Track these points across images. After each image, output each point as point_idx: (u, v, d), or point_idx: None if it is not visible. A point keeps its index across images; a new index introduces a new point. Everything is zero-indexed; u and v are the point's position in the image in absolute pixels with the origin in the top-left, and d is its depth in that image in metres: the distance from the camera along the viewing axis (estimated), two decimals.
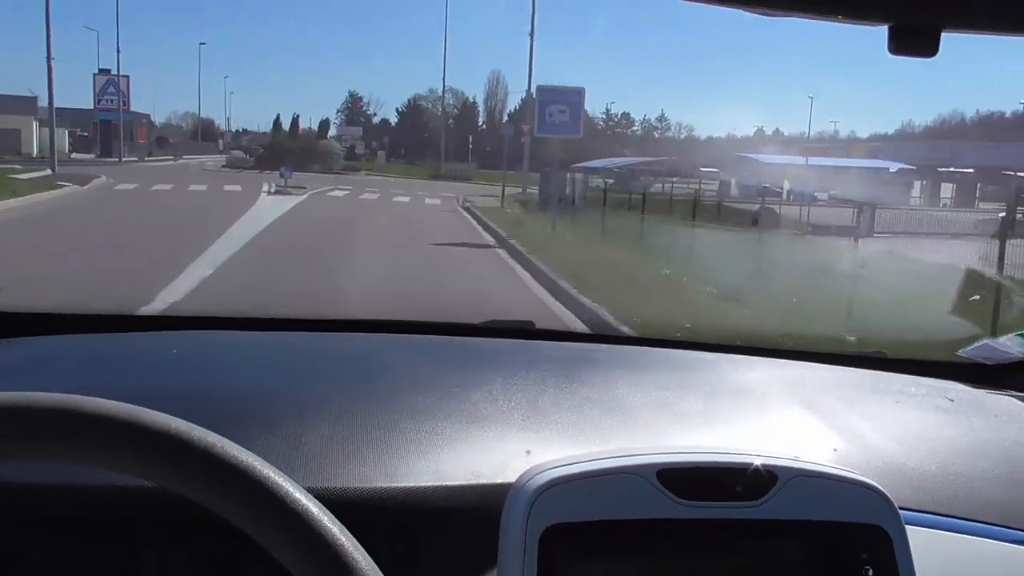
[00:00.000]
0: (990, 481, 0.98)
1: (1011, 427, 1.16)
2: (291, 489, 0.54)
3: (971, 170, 41.23)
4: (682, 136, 68.15)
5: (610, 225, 14.64)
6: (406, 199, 22.91)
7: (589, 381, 1.10)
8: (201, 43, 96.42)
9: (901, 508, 0.78)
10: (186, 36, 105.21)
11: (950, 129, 60.08)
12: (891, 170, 35.68)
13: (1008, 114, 60.70)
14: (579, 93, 16.11)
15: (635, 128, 73.82)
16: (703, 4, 0.56)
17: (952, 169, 40.53)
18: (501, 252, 12.05)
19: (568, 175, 23.06)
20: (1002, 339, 1.43)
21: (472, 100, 67.53)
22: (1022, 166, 40.63)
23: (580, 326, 6.43)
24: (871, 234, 18.47)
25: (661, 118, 73.67)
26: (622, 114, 74.66)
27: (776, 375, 1.25)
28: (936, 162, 39.09)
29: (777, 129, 66.33)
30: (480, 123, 66.64)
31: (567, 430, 0.94)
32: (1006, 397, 1.28)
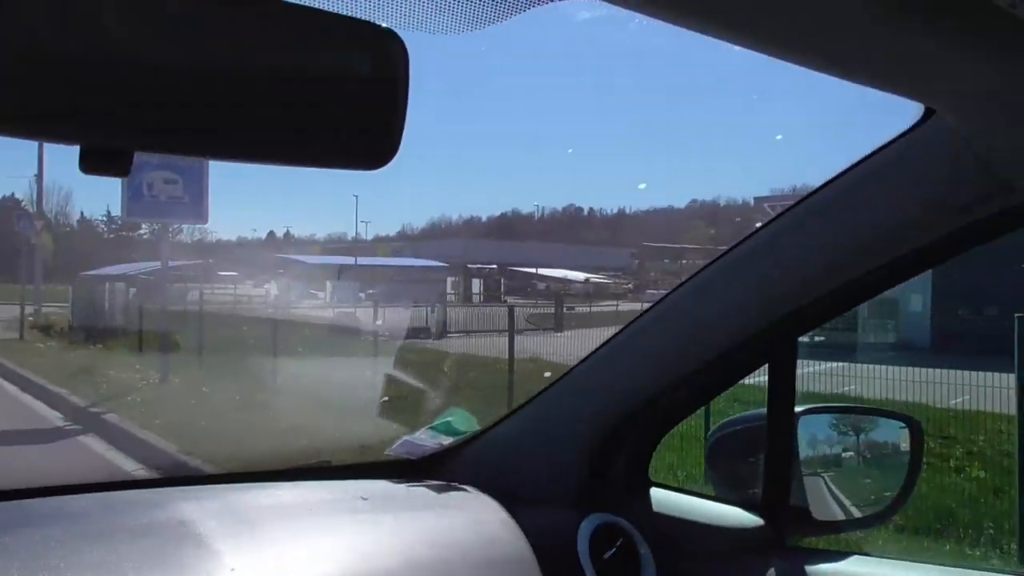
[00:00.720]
0: (384, 573, 1.12)
1: (412, 517, 1.28)
2: None
3: (494, 266, 44.81)
4: (195, 238, 62.48)
5: (228, 357, 10.46)
6: None
7: (13, 543, 1.03)
8: None
9: None
10: None
11: (441, 231, 66.94)
12: (433, 267, 36.86)
13: (484, 218, 71.77)
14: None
15: (142, 232, 65.87)
16: None
17: (480, 265, 43.56)
18: (97, 444, 6.80)
19: (108, 285, 18.17)
20: (418, 434, 1.60)
21: None
22: (526, 262, 45.25)
23: None
24: (445, 335, 17.96)
25: None
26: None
27: (193, 507, 1.20)
28: (454, 259, 41.54)
29: (288, 231, 65.51)
30: None
31: None
32: (417, 488, 1.39)
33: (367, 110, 0.65)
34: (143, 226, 63.75)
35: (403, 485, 1.40)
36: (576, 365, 1.44)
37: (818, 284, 1.22)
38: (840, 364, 7.96)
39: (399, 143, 0.66)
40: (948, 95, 0.96)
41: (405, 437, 1.57)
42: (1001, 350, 5.19)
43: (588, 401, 1.40)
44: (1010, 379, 5.07)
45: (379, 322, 16.83)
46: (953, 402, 6.93)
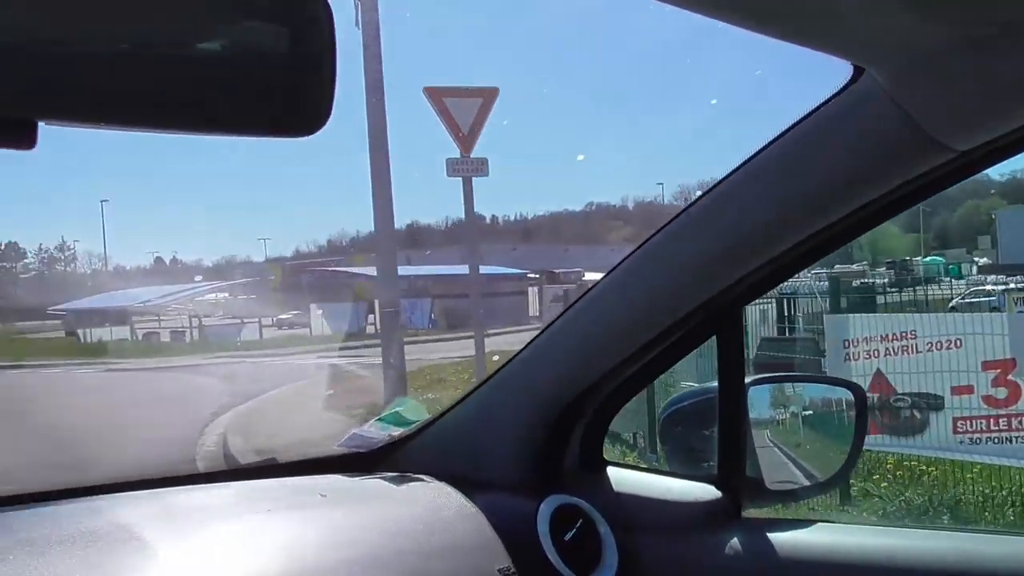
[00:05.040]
0: (341, 566, 1.13)
1: (367, 509, 1.31)
2: None
3: (579, 269, 43.90)
4: (93, 267, 53.84)
5: None
6: None
7: None
8: None
9: None
10: None
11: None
12: (517, 276, 35.36)
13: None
14: None
15: (28, 261, 57.30)
16: None
17: (566, 270, 42.59)
18: None
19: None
20: (366, 426, 1.63)
21: None
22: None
23: None
24: None
25: (62, 247, 56.52)
26: (7, 244, 54.19)
27: (127, 513, 1.19)
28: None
29: (175, 256, 60.10)
30: None
31: None
32: (371, 480, 1.43)
33: (292, 74, 0.64)
34: (28, 255, 55.32)
35: (356, 478, 1.44)
36: (522, 349, 1.47)
37: (758, 252, 1.26)
38: None
39: (330, 109, 0.65)
40: (877, 53, 1.00)
41: (353, 430, 1.61)
42: None
43: (538, 383, 1.44)
44: None
45: None
46: None
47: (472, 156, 8.39)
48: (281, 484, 1.41)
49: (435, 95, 8.38)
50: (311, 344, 21.31)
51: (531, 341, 1.47)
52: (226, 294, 32.00)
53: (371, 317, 27.86)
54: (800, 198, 1.19)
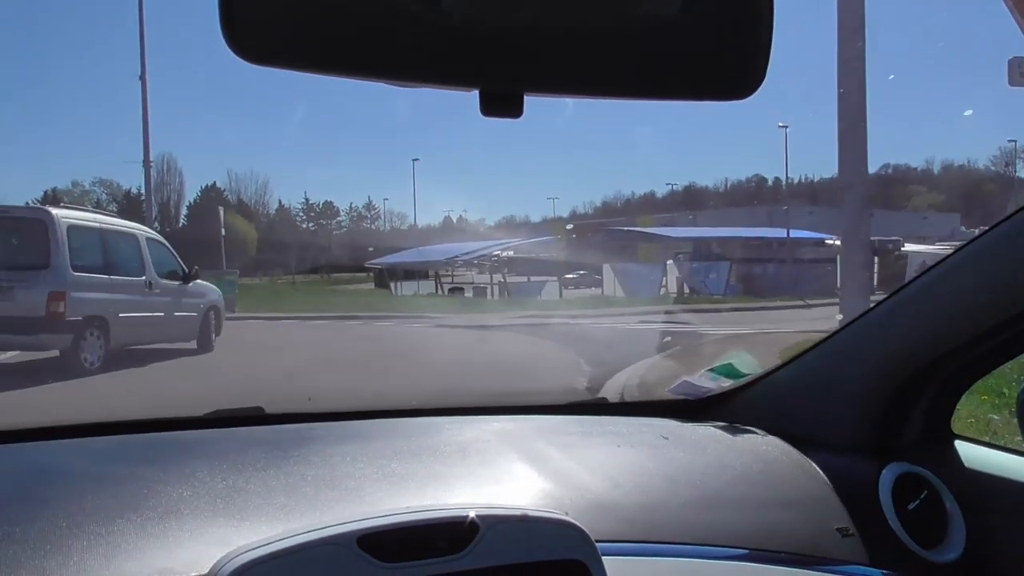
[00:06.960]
0: (686, 505, 1.19)
1: (706, 455, 1.36)
2: None
3: (898, 238, 39.35)
4: (399, 225, 60.49)
5: None
6: None
7: (310, 459, 1.16)
8: None
9: (606, 540, 0.99)
10: None
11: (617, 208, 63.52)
12: (817, 240, 31.71)
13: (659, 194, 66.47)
14: None
15: (340, 219, 65.54)
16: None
17: (882, 238, 38.46)
18: None
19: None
20: (696, 376, 1.67)
21: (137, 192, 48.37)
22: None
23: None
24: None
25: (369, 206, 65.41)
26: (324, 203, 64.53)
27: (497, 430, 1.37)
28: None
29: (462, 216, 63.14)
30: (153, 220, 52.56)
31: (277, 512, 0.99)
32: (705, 428, 1.48)
33: (728, 36, 0.68)
34: (341, 214, 62.06)
35: (689, 425, 1.49)
36: (870, 310, 1.42)
37: None
38: None
39: (765, 72, 0.68)
40: None
41: (684, 378, 1.64)
42: None
43: (887, 345, 1.38)
44: None
45: None
46: None
47: None
48: (623, 422, 1.52)
49: None
50: (617, 306, 20.60)
51: (885, 299, 1.41)
52: (512, 252, 32.62)
53: (664, 279, 26.77)
54: None
